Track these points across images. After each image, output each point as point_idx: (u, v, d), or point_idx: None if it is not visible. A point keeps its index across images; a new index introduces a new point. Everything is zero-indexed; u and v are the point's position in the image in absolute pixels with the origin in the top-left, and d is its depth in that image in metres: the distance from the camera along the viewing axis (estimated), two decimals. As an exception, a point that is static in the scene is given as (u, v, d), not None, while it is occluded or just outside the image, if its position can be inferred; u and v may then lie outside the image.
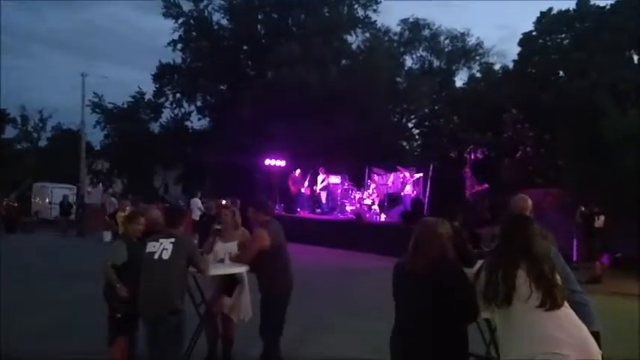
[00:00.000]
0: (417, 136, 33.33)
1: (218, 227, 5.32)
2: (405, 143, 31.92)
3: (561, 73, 22.19)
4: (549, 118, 18.60)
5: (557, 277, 2.60)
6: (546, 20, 23.55)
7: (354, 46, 32.07)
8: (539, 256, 2.62)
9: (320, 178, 19.15)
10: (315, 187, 19.47)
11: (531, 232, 2.72)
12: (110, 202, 20.15)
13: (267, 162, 21.35)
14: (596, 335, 2.90)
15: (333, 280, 10.85)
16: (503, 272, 2.58)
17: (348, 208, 18.24)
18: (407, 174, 17.28)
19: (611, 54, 19.27)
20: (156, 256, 4.21)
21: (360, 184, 18.92)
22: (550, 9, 23.60)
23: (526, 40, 24.09)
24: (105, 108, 32.87)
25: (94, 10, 78.57)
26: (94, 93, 32.35)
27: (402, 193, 17.03)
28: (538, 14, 23.87)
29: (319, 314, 7.27)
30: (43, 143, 40.69)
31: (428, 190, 16.66)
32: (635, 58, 20.30)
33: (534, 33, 24.00)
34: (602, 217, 11.41)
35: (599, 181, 13.49)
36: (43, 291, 9.02)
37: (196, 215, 15.39)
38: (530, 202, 4.32)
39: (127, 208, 10.74)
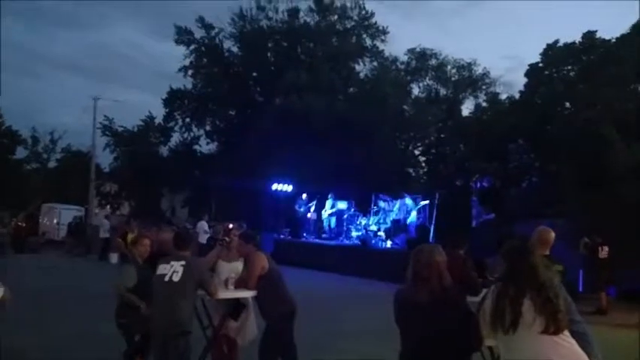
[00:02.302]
0: (423, 164, 33.46)
1: (226, 239, 5.38)
2: (411, 170, 32.06)
3: (567, 104, 22.33)
4: (555, 149, 18.69)
5: (562, 303, 2.69)
6: (552, 52, 23.79)
7: (361, 75, 32.55)
8: (545, 284, 2.71)
9: (329, 203, 19.25)
10: (321, 213, 19.56)
11: (535, 263, 2.81)
12: (102, 223, 20.28)
13: (274, 187, 21.49)
14: (595, 365, 2.97)
15: (336, 305, 10.86)
16: (510, 300, 2.67)
17: (354, 233, 18.28)
18: (413, 201, 17.36)
19: (616, 87, 19.44)
20: (166, 278, 4.30)
21: (366, 210, 18.99)
22: (556, 41, 23.85)
23: (532, 71, 24.31)
24: (115, 131, 33.39)
25: (107, 34, 79.86)
26: (105, 116, 32.96)
27: (408, 221, 17.08)
28: (545, 46, 24.16)
29: (321, 338, 7.29)
30: (52, 164, 41.11)
31: (434, 217, 16.70)
32: (640, 90, 20.44)
33: (541, 64, 24.23)
34: (605, 248, 11.41)
35: (603, 212, 13.51)
36: (47, 309, 9.09)
37: (203, 239, 15.36)
38: (553, 234, 4.33)
39: (136, 230, 10.88)
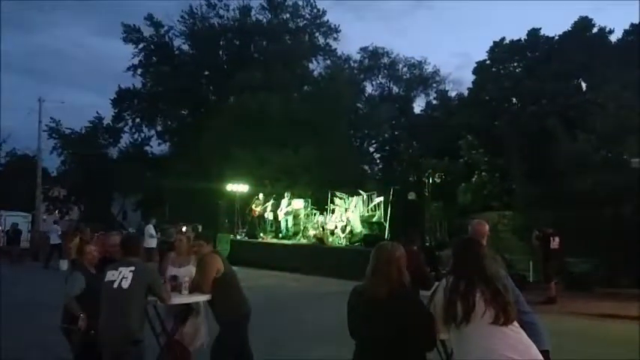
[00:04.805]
0: (378, 161, 33.86)
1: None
2: (366, 167, 32.39)
3: (514, 100, 23.03)
4: (503, 144, 19.23)
5: (510, 295, 2.75)
6: (499, 49, 24.50)
7: (315, 73, 32.67)
8: (493, 276, 2.75)
9: (284, 202, 19.17)
10: (277, 212, 19.45)
11: (482, 255, 2.85)
12: (53, 229, 19.60)
13: (230, 187, 21.25)
14: (545, 354, 3.03)
15: (293, 305, 10.83)
16: (462, 293, 2.70)
17: (311, 232, 18.27)
18: (369, 198, 17.49)
19: (560, 82, 20.17)
20: (115, 285, 4.15)
21: (322, 208, 19.02)
22: (502, 39, 24.57)
23: (480, 69, 24.96)
24: (62, 133, 32.29)
25: (52, 34, 77.25)
26: (51, 118, 31.73)
27: (364, 218, 17.19)
28: (491, 43, 24.83)
29: (278, 339, 7.25)
30: (-4, 169, 39.32)
31: (389, 213, 16.86)
32: (584, 85, 21.31)
33: (488, 62, 24.90)
34: (556, 239, 11.76)
35: (550, 202, 13.98)
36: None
37: (148, 243, 14.80)
38: (487, 226, 4.40)
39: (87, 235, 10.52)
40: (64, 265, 16.06)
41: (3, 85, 69.21)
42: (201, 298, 4.84)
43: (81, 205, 34.36)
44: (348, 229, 17.11)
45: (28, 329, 7.95)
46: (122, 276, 4.17)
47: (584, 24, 22.36)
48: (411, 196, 17.34)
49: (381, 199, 17.13)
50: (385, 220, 16.65)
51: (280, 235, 19.22)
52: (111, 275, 4.22)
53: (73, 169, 32.84)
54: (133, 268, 4.21)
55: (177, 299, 4.74)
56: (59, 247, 18.12)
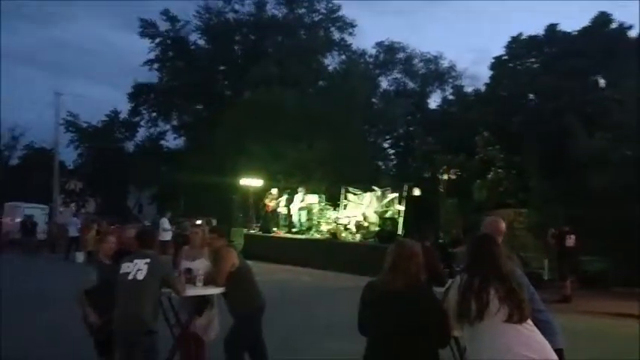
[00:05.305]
0: (392, 156, 33.72)
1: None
2: (380, 163, 32.29)
3: (531, 96, 22.77)
4: (519, 140, 19.04)
5: (525, 293, 2.73)
6: (516, 45, 24.23)
7: (330, 68, 32.60)
8: (508, 274, 2.73)
9: (298, 197, 19.18)
10: (291, 207, 19.48)
11: (497, 253, 2.83)
12: (72, 221, 19.88)
13: (244, 181, 21.31)
14: (559, 353, 3.01)
15: (306, 300, 10.85)
16: (476, 290, 2.68)
17: (324, 227, 18.25)
18: (382, 194, 17.41)
19: (577, 78, 19.90)
20: (130, 277, 4.21)
21: (336, 203, 19.00)
22: (520, 34, 24.30)
23: (497, 64, 24.71)
24: (79, 127, 32.70)
25: (69, 28, 77.97)
26: (68, 112, 32.15)
27: (378, 213, 17.12)
28: (509, 39, 24.56)
29: (291, 333, 7.28)
30: (14, 162, 39.90)
31: (402, 210, 16.77)
32: (601, 82, 21.01)
33: (505, 57, 24.64)
34: (572, 237, 11.64)
35: (567, 200, 13.82)
36: (17, 313, 8.81)
37: (163, 236, 14.83)
38: (503, 224, 4.10)
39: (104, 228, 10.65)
40: (80, 257, 16.27)
41: (20, 79, 69.96)
42: (215, 290, 4.89)
43: (97, 198, 34.80)
44: (363, 224, 17.05)
45: (41, 318, 8.03)
46: (137, 268, 4.23)
47: (602, 20, 22.00)
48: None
49: (395, 195, 17.04)
50: (398, 217, 16.57)
51: (294, 229, 19.22)
52: (126, 267, 4.28)
53: (89, 162, 33.30)
54: (148, 260, 4.27)
55: (192, 291, 4.79)
56: (77, 240, 18.36)
